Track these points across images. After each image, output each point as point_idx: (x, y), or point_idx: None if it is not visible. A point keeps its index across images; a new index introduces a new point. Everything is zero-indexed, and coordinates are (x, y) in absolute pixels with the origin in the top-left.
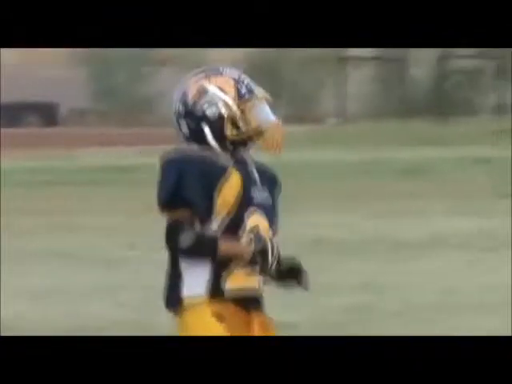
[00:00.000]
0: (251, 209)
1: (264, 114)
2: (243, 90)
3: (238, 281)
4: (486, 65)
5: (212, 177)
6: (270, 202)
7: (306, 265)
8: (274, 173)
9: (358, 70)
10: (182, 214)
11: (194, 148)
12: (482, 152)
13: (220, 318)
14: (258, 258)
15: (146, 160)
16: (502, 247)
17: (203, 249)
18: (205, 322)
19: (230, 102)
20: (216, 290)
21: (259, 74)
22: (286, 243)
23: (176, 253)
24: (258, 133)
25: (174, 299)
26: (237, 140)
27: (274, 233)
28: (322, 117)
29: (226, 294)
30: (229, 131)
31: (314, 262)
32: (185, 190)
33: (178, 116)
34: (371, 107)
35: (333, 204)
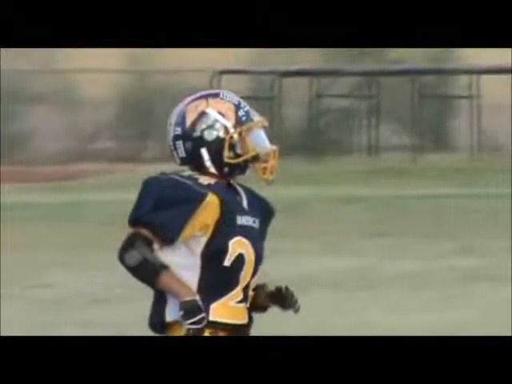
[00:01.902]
0: (237, 237)
1: (261, 139)
2: (242, 115)
3: (226, 314)
4: (358, 104)
5: (187, 202)
6: (258, 228)
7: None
8: (268, 201)
9: None
10: (141, 233)
11: (177, 174)
12: (354, 191)
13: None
14: (184, 310)
15: (21, 198)
16: (372, 287)
17: (143, 273)
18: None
19: (229, 126)
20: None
21: (131, 112)
22: None
23: (124, 267)
24: (255, 158)
25: (158, 323)
26: (234, 164)
27: (259, 258)
28: None
29: (211, 325)
30: (226, 155)
31: None
32: (155, 215)
33: (175, 138)
34: None
35: None
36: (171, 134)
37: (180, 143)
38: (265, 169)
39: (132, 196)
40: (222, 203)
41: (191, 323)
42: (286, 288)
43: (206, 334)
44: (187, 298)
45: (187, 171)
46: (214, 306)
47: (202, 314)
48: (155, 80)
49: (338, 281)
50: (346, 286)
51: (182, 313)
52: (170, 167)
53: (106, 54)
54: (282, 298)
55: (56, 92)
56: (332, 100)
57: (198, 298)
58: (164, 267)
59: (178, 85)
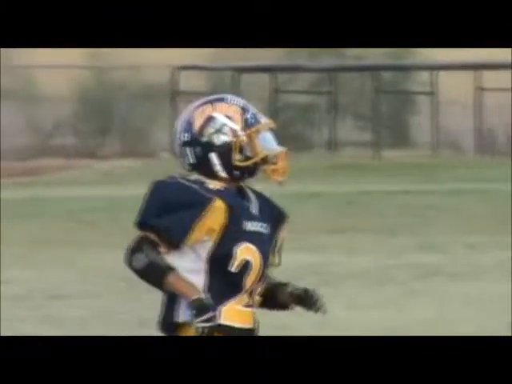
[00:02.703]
0: (244, 243)
1: (269, 141)
2: (250, 118)
3: (235, 318)
4: (318, 100)
5: (193, 206)
6: (267, 233)
7: (144, 302)
8: (279, 206)
9: (190, 103)
10: (148, 236)
11: (185, 178)
12: (314, 187)
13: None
14: (193, 309)
15: None
16: (332, 283)
17: (151, 276)
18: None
19: (237, 129)
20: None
21: (90, 108)
22: (120, 278)
23: (132, 270)
24: (264, 160)
25: (169, 323)
26: (243, 167)
27: (267, 264)
28: (154, 151)
29: (220, 328)
30: (236, 158)
31: (151, 298)
32: (162, 219)
33: (184, 145)
34: None
35: None
36: (179, 141)
37: (188, 149)
38: (274, 170)
39: (91, 191)
40: (229, 208)
41: (202, 321)
42: (314, 291)
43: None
44: (195, 297)
45: (195, 175)
46: (223, 309)
47: (212, 312)
48: (114, 76)
49: (297, 277)
50: (306, 282)
51: (191, 312)
52: (129, 163)
53: (65, 50)
54: (309, 301)
55: (16, 88)
56: (291, 96)
57: (205, 296)
58: (171, 269)
59: (137, 81)
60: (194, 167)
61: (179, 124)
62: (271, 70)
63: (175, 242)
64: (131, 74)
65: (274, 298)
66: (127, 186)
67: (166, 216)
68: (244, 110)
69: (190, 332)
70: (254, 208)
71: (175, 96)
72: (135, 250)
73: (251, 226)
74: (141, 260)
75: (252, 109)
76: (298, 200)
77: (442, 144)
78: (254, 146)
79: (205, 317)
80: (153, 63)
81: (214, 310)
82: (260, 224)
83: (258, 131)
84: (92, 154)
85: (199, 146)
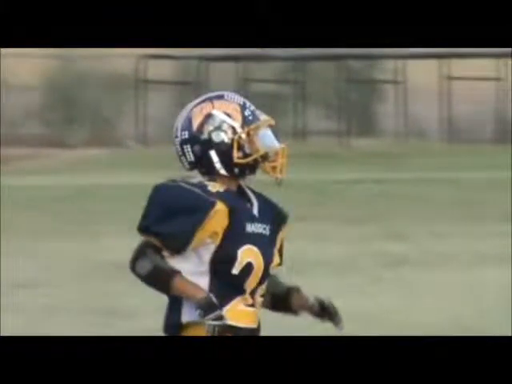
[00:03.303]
0: (246, 246)
1: (268, 138)
2: (249, 115)
3: (239, 318)
4: (285, 89)
5: (196, 211)
6: (269, 234)
7: (108, 290)
8: (280, 207)
9: (158, 92)
10: (152, 242)
11: (186, 181)
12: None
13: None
14: (201, 308)
15: None
16: (299, 271)
17: (156, 281)
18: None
19: (237, 126)
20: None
21: (56, 96)
22: (86, 268)
23: (136, 276)
24: (264, 157)
25: (174, 324)
26: (243, 164)
27: (269, 265)
28: (122, 140)
29: (228, 327)
30: (235, 155)
31: (117, 286)
32: (164, 224)
33: (183, 143)
34: (170, 130)
35: (133, 227)
36: (178, 140)
37: (188, 147)
38: (274, 168)
39: (59, 180)
40: (231, 211)
41: (212, 319)
42: (330, 304)
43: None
44: (202, 296)
45: (196, 177)
46: (226, 309)
47: (219, 310)
48: (81, 65)
49: None
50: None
51: (199, 311)
52: (96, 152)
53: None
54: (326, 314)
55: None
56: (259, 85)
57: (211, 295)
58: (175, 273)
59: (104, 70)
60: (194, 165)
61: (178, 122)
62: (239, 59)
63: (179, 248)
64: (98, 62)
65: (285, 302)
66: (94, 175)
67: (168, 221)
68: (243, 107)
69: (195, 333)
70: (255, 209)
71: (142, 85)
72: (139, 255)
73: (253, 227)
74: (145, 266)
75: (251, 106)
76: (266, 188)
77: (409, 132)
78: (254, 143)
79: (213, 315)
80: (120, 52)
81: (221, 309)
82: (261, 225)
83: (257, 128)
84: (59, 142)
85: (198, 144)
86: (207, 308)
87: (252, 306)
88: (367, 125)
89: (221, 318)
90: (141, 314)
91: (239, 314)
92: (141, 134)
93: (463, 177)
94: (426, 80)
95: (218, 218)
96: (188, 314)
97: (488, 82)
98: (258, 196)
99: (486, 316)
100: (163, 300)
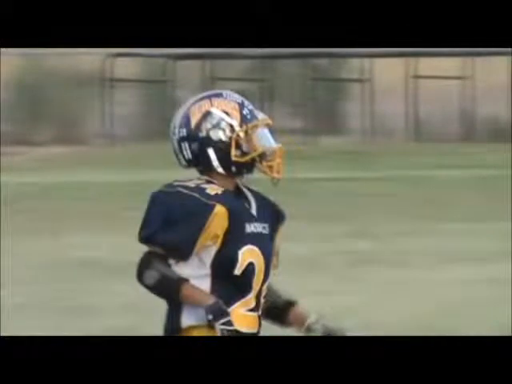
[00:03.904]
0: (247, 246)
1: (266, 137)
2: (247, 114)
3: (239, 322)
4: (252, 87)
5: (197, 216)
6: (268, 233)
7: (72, 287)
8: (277, 205)
9: (125, 90)
10: (155, 250)
11: (184, 185)
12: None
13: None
14: (211, 314)
15: None
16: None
17: (164, 290)
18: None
19: (235, 124)
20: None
21: (22, 94)
22: (52, 265)
23: (144, 286)
24: (261, 156)
25: (173, 329)
26: (241, 163)
27: (270, 264)
28: (88, 138)
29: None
30: (233, 154)
31: (82, 284)
32: (167, 233)
33: (181, 140)
34: (137, 129)
35: (100, 225)
36: (176, 137)
37: (186, 145)
38: (271, 167)
39: (25, 178)
40: (230, 213)
41: (223, 324)
42: (326, 329)
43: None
44: (212, 302)
45: (193, 180)
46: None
47: (229, 316)
48: (47, 63)
49: None
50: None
51: (210, 317)
52: (62, 150)
53: None
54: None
55: None
56: (225, 83)
57: (220, 300)
58: (183, 280)
59: (70, 67)
60: (191, 163)
61: (176, 119)
62: (205, 57)
63: (183, 256)
64: (65, 60)
65: (281, 315)
66: (60, 173)
67: (170, 230)
68: (241, 105)
69: (197, 329)
70: (254, 208)
71: (108, 83)
72: (145, 266)
73: (252, 227)
74: (152, 276)
75: (249, 105)
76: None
77: (376, 131)
78: (252, 142)
79: (224, 320)
80: (86, 50)
81: (228, 313)
82: (260, 224)
83: (255, 127)
84: (25, 140)
85: (196, 142)
86: (217, 314)
87: (253, 310)
88: (334, 123)
89: (231, 323)
90: (106, 312)
91: (241, 318)
92: (107, 132)
93: (429, 175)
94: (393, 79)
95: (218, 220)
96: (188, 318)
97: (454, 80)
98: (256, 194)
99: (450, 314)
100: (129, 298)
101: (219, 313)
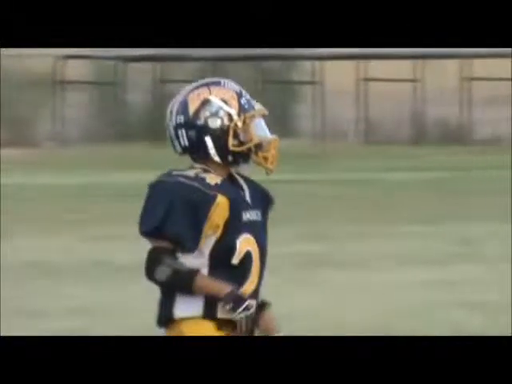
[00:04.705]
0: (243, 235)
1: (261, 128)
2: (245, 103)
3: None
4: None
5: (200, 207)
6: (261, 220)
7: (21, 289)
8: (266, 189)
9: (76, 93)
10: (164, 245)
11: (184, 175)
12: None
13: (215, 330)
14: (230, 304)
15: None
16: None
17: (178, 284)
18: (204, 332)
19: (233, 113)
20: (210, 315)
21: None
22: (1, 268)
23: (155, 282)
24: (257, 146)
25: (165, 320)
26: (238, 152)
27: (265, 251)
28: (38, 140)
29: (220, 322)
30: (231, 143)
31: (29, 286)
32: (169, 225)
33: (178, 127)
34: (88, 131)
35: (49, 227)
36: (172, 123)
37: (183, 132)
38: (266, 158)
39: None
40: (231, 203)
41: (243, 311)
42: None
43: (212, 332)
44: (228, 291)
45: (191, 169)
46: (221, 303)
47: (248, 300)
48: None
49: None
50: None
51: (230, 306)
52: (13, 152)
53: None
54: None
55: None
56: (176, 85)
57: (235, 288)
58: (195, 272)
59: (21, 70)
60: (187, 150)
61: (173, 106)
62: (156, 59)
63: (190, 249)
64: (16, 62)
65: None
66: (10, 175)
67: (176, 222)
68: (239, 94)
69: (187, 329)
70: (248, 196)
71: (59, 85)
72: (155, 262)
73: (248, 215)
74: (164, 271)
75: (246, 94)
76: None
77: (327, 133)
78: (249, 132)
79: (243, 306)
80: (37, 52)
81: (246, 299)
82: (254, 212)
83: (252, 117)
84: None
85: (194, 129)
86: (236, 302)
87: (251, 297)
88: (285, 126)
89: (249, 307)
90: (53, 314)
91: None
92: (57, 133)
93: (380, 178)
94: (344, 81)
95: (220, 210)
96: (180, 310)
97: (405, 83)
98: (247, 180)
99: (401, 316)
100: (78, 300)
101: (237, 300)
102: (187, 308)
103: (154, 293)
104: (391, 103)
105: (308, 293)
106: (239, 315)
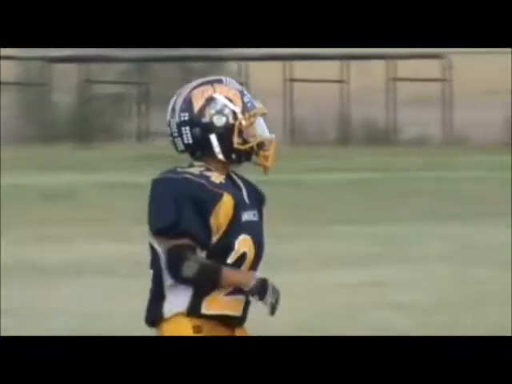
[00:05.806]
0: (242, 235)
1: (263, 127)
2: (248, 102)
3: (219, 306)
4: (129, 90)
5: (207, 204)
6: (258, 219)
7: None
8: (259, 188)
9: (1, 93)
10: (184, 242)
11: (189, 172)
12: (124, 177)
13: (198, 330)
14: (257, 293)
15: None
16: (144, 273)
17: (206, 278)
18: (182, 333)
19: (238, 111)
20: (195, 311)
21: None
22: None
23: (178, 280)
24: (259, 145)
25: (154, 317)
26: (242, 150)
27: (261, 252)
28: None
29: (205, 317)
30: (236, 141)
31: None
32: (186, 221)
33: (181, 124)
34: (14, 132)
35: None
36: (175, 120)
37: (187, 129)
38: (266, 157)
39: None
40: (235, 202)
41: (270, 298)
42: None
43: (205, 330)
44: (253, 283)
45: (194, 167)
46: (206, 299)
47: (274, 288)
48: None
49: (109, 267)
50: (119, 273)
51: (257, 297)
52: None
53: None
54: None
55: None
56: (102, 86)
57: (258, 277)
58: (220, 265)
59: None
60: (190, 148)
61: (176, 103)
62: (81, 60)
63: (206, 245)
64: None
65: None
66: None
67: (190, 219)
68: (242, 93)
69: (175, 327)
70: (245, 195)
71: None
72: (181, 259)
73: (246, 215)
74: (192, 267)
75: (248, 93)
76: (108, 190)
77: None
78: (252, 130)
79: (270, 294)
80: None
81: (268, 286)
82: (252, 212)
83: (255, 115)
84: None
85: (198, 127)
86: (263, 291)
87: (236, 293)
88: None
89: (276, 292)
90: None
91: (221, 303)
92: None
93: (306, 179)
94: (270, 82)
95: (225, 209)
96: (169, 309)
97: (331, 84)
98: (243, 180)
99: (327, 317)
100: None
101: (264, 290)
102: (172, 306)
103: (77, 295)
104: (317, 104)
105: None
106: (266, 302)
